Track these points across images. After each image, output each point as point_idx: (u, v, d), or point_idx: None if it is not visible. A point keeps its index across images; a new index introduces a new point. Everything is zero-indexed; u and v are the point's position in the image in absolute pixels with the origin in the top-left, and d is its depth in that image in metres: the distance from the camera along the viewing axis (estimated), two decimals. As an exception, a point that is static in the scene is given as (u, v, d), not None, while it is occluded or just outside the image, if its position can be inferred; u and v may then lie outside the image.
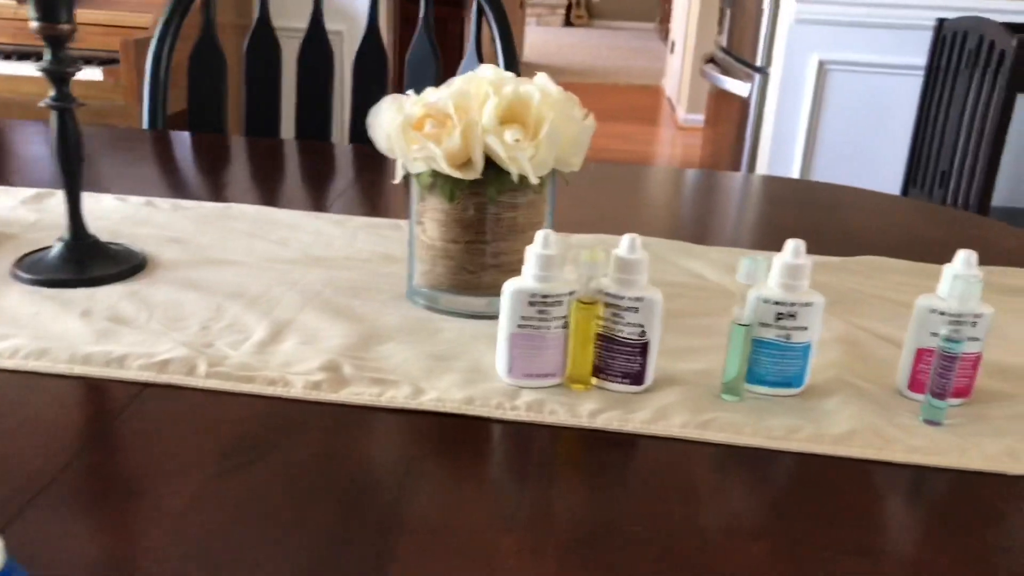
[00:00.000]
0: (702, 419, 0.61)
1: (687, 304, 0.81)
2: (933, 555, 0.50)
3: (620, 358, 0.64)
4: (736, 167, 2.97)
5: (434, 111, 0.70)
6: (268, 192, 1.12)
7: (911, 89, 2.57)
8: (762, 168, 2.79)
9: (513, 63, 1.41)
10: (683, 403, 0.63)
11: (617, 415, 0.61)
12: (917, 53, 2.52)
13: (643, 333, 0.63)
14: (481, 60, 1.42)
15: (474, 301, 0.75)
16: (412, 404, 0.61)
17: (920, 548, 0.51)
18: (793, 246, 0.64)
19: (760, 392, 0.65)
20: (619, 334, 0.63)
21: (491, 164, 0.70)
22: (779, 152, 2.73)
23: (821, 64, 2.59)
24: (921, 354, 0.65)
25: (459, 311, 0.75)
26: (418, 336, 0.71)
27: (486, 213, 0.73)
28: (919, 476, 0.58)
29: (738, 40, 3.09)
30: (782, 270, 0.64)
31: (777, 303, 0.63)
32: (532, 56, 7.48)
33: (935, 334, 0.64)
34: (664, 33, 7.86)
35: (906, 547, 0.51)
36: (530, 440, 0.59)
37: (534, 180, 0.69)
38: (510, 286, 0.63)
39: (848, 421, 0.62)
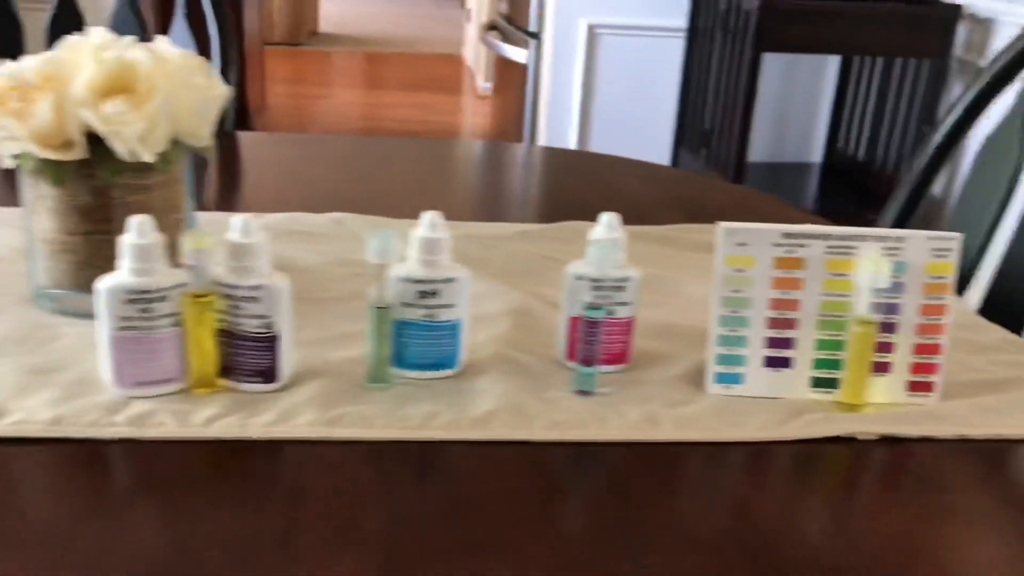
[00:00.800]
0: (332, 415, 0.55)
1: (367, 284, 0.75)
2: (547, 542, 0.47)
3: (247, 355, 0.57)
4: (521, 136, 2.97)
5: (19, 83, 0.60)
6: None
7: (676, 52, 2.64)
8: (544, 135, 2.80)
9: (227, 36, 1.29)
10: (317, 399, 0.57)
11: (237, 420, 0.55)
12: (679, 15, 2.59)
13: (269, 325, 0.57)
14: (196, 32, 1.30)
15: (102, 300, 0.66)
16: (-17, 431, 0.52)
17: (536, 536, 0.47)
18: (428, 219, 0.59)
19: (412, 377, 0.61)
20: (242, 328, 0.57)
21: (101, 142, 0.61)
22: (558, 120, 2.74)
23: (590, 28, 2.62)
24: (574, 322, 0.62)
25: (88, 313, 0.66)
26: (27, 346, 0.62)
27: (109, 199, 0.64)
28: (564, 453, 0.55)
29: (516, 6, 3.08)
30: (419, 245, 0.59)
31: (417, 281, 0.59)
32: (329, 27, 7.24)
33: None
34: (464, 1, 7.81)
35: (517, 536, 0.47)
36: (128, 461, 0.52)
37: (147, 158, 0.61)
38: (103, 283, 0.55)
39: (493, 400, 0.58)
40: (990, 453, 0.57)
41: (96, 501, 0.48)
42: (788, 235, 0.58)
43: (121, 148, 0.60)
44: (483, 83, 5.32)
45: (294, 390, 0.58)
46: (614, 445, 0.56)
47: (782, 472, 0.55)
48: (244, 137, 1.29)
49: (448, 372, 0.61)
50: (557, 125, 2.75)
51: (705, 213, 1.04)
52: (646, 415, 0.57)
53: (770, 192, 2.66)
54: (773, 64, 2.70)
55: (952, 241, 0.58)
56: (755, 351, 0.60)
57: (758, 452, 0.56)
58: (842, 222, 0.58)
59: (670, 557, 0.46)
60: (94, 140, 0.61)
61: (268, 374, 0.58)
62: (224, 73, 1.29)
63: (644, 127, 2.71)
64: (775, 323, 0.60)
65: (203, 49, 1.30)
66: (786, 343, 0.60)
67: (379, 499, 0.49)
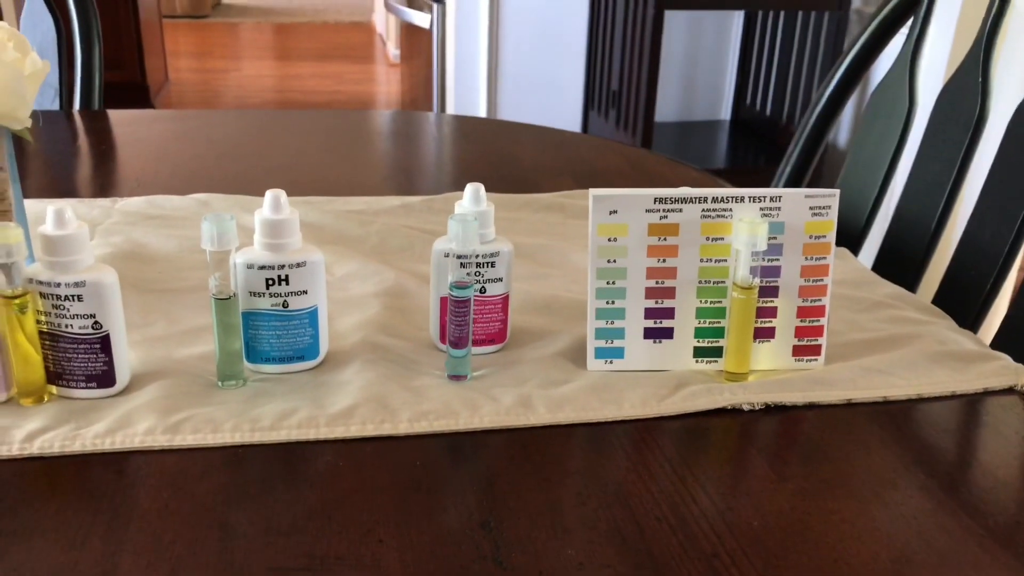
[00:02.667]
0: (174, 420, 0.50)
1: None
2: (405, 549, 0.43)
3: (77, 358, 0.51)
4: (431, 104, 2.89)
5: None
6: None
7: (581, 12, 2.60)
8: (452, 101, 2.73)
9: (89, 10, 1.20)
10: (159, 402, 0.52)
11: (64, 433, 0.49)
12: (582, -25, 2.54)
13: (97, 324, 0.51)
14: (51, 8, 1.20)
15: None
16: None
17: (393, 544, 0.43)
18: (271, 197, 0.54)
19: (268, 371, 0.56)
20: (67, 330, 0.51)
21: None
22: (466, 86, 2.68)
23: (493, -10, 2.55)
24: (444, 302, 0.58)
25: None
26: None
27: (-85, 191, 0.57)
28: (434, 445, 0.51)
29: (419, -31, 2.99)
30: (263, 228, 0.53)
31: (264, 267, 0.54)
32: (234, -3, 6.98)
33: (449, 280, 0.57)
34: (373, -33, 7.59)
35: (370, 545, 0.43)
36: (-67, 486, 0.46)
37: (-51, 144, 0.54)
38: None
39: (355, 393, 0.53)
40: (877, 416, 0.55)
41: None
42: (661, 200, 0.55)
43: (-83, 133, 0.53)
44: (394, 50, 5.19)
45: (134, 394, 0.53)
46: (486, 433, 0.52)
47: (664, 450, 0.52)
48: (116, 115, 1.20)
49: (307, 364, 0.56)
50: (466, 91, 2.69)
51: (598, 177, 1.01)
52: (520, 398, 0.54)
53: (680, 151, 2.65)
54: (678, 22, 2.69)
55: (831, 198, 0.55)
56: (635, 323, 0.57)
57: (640, 430, 0.53)
58: (752, 177, 0.56)
59: (539, 555, 0.42)
60: None
61: (103, 378, 0.52)
62: (87, 50, 1.20)
63: (554, 91, 2.67)
64: (653, 293, 0.56)
65: (64, 26, 1.20)
66: (666, 313, 0.57)
67: (216, 514, 0.44)
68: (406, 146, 1.16)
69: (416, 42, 3.17)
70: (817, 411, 0.55)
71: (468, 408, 0.53)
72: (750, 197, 0.55)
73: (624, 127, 2.35)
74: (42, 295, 0.50)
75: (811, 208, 0.55)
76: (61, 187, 0.93)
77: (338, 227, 0.78)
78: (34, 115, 0.59)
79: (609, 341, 0.57)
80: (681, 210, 0.55)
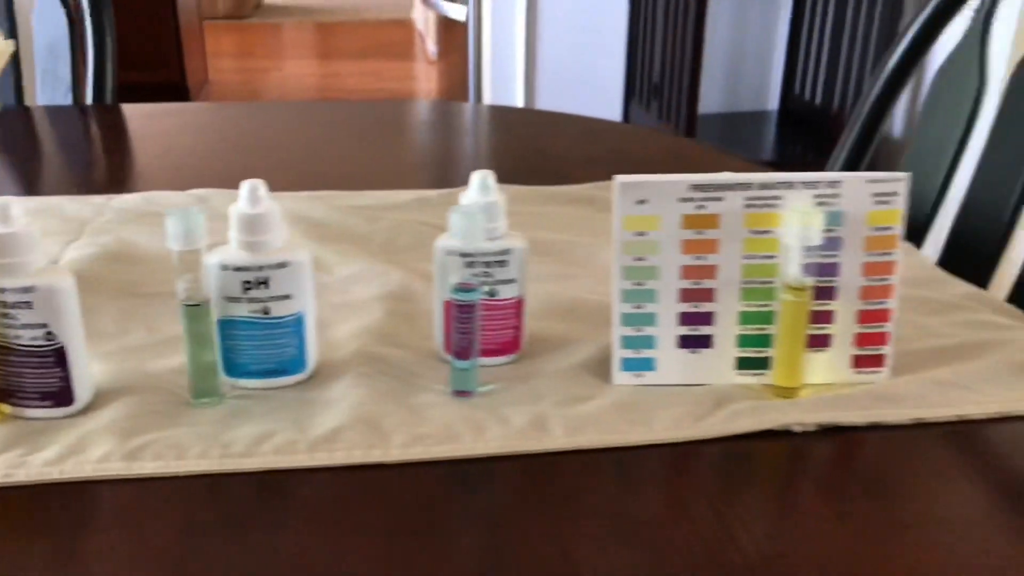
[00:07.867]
0: (133, 446, 0.44)
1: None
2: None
3: (30, 374, 0.45)
4: (467, 99, 2.83)
5: None
6: None
7: (621, 2, 2.51)
8: (489, 95, 2.67)
9: (100, 6, 1.15)
10: (119, 424, 0.45)
11: (10, 460, 0.43)
12: (621, -37, 2.45)
13: (50, 335, 0.45)
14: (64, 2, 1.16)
15: None
16: None
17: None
18: (248, 188, 0.47)
19: (249, 387, 0.49)
20: (16, 341, 0.45)
21: None
22: (503, 79, 2.61)
23: (530, -19, 2.48)
24: (448, 307, 0.51)
25: None
26: None
27: None
28: (434, 473, 0.44)
29: (454, -38, 2.92)
30: (239, 225, 0.47)
31: (240, 268, 0.47)
32: (275, -2, 7.00)
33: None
34: (413, -35, 7.56)
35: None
36: None
37: None
38: None
39: (343, 413, 0.46)
40: (953, 439, 0.47)
41: None
42: (698, 187, 0.47)
43: None
44: (432, 47, 5.15)
45: (95, 414, 0.47)
46: (493, 460, 0.45)
47: (701, 481, 0.44)
48: (129, 109, 1.16)
49: (292, 379, 0.50)
50: (502, 85, 2.62)
51: (636, 169, 0.93)
52: (534, 419, 0.46)
53: (725, 143, 2.55)
54: (723, 9, 2.58)
55: (897, 183, 0.47)
56: (667, 330, 0.49)
57: (673, 456, 0.45)
58: (802, 170, 0.48)
59: (545, 614, 0.35)
60: None
61: (59, 396, 0.46)
62: (99, 44, 1.16)
63: (593, 83, 2.59)
64: (689, 295, 0.49)
65: (77, 20, 1.16)
66: (704, 318, 0.49)
67: (173, 557, 0.38)
68: (435, 137, 1.09)
69: (453, 37, 3.11)
70: (881, 433, 0.47)
71: (472, 430, 0.46)
72: (802, 183, 0.47)
73: (667, 119, 2.26)
74: (-13, 302, 0.44)
75: (875, 195, 0.47)
76: (61, 183, 0.88)
77: (344, 224, 0.72)
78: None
79: (637, 351, 0.49)
80: (722, 199, 0.47)
